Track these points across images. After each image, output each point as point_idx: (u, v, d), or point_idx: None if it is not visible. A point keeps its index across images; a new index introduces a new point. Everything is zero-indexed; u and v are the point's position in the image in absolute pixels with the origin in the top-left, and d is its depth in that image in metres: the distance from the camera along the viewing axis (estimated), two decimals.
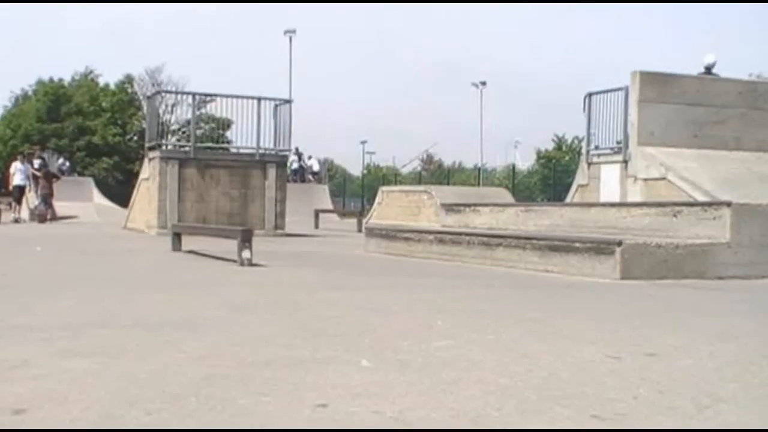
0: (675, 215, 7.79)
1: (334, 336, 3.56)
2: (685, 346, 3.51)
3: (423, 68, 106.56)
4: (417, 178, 46.24)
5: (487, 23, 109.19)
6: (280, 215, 14.99)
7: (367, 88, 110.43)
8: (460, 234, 8.73)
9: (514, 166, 40.40)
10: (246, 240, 7.38)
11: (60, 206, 21.46)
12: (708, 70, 13.95)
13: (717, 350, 3.41)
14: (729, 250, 7.18)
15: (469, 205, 10.96)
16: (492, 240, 8.09)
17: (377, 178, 48.16)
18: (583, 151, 14.22)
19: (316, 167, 32.90)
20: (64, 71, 62.02)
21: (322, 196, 27.71)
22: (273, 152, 15.27)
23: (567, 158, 44.09)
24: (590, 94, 13.39)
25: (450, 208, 11.51)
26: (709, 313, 4.90)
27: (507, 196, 18.20)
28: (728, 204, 7.42)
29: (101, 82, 51.83)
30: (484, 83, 59.43)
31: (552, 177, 33.38)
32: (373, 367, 2.88)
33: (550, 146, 49.71)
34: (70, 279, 6.42)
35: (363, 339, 3.48)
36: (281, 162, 15.42)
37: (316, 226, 19.72)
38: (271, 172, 14.94)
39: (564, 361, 3.07)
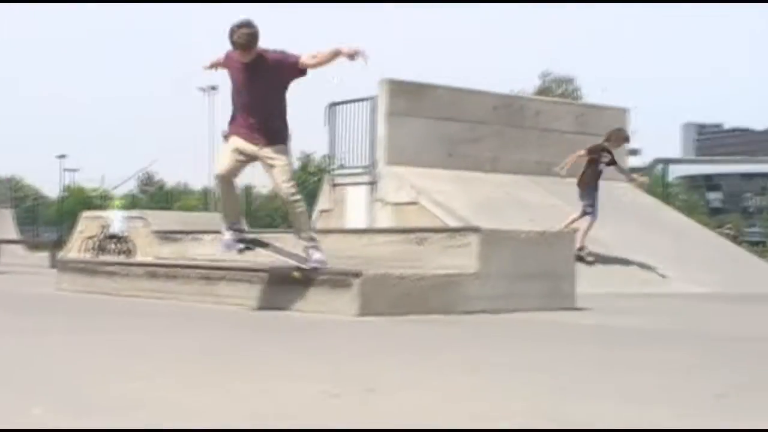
0: (420, 243, 8.43)
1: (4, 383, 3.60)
2: (412, 381, 3.92)
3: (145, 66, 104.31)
4: (133, 202, 45.33)
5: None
6: None
7: (73, 86, 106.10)
8: (175, 266, 8.83)
9: (248, 188, 40.76)
10: None
11: None
12: None
13: (450, 383, 3.86)
14: (477, 281, 7.87)
15: (187, 233, 11.09)
16: (214, 273, 8.28)
17: (82, 202, 46.62)
18: (327, 170, 14.82)
19: None
20: None
21: (2, 223, 26.39)
22: None
23: (316, 180, 45.24)
24: (333, 105, 14.02)
25: (165, 236, 11.57)
26: (446, 350, 5.43)
27: None
28: (476, 230, 8.17)
29: None
30: (214, 88, 59.58)
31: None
32: (48, 414, 2.98)
33: (296, 166, 50.72)
34: None
35: (41, 386, 3.55)
36: None
37: None
38: None
39: (274, 401, 3.35)
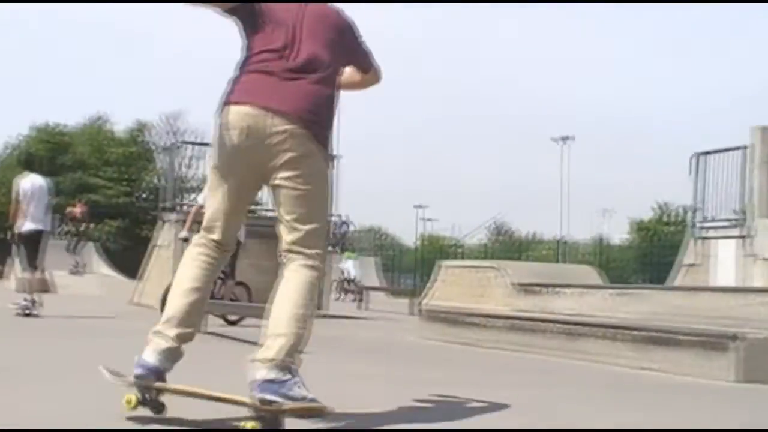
0: None
1: None
2: None
3: (492, 121, 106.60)
4: (484, 252, 46.22)
5: (569, 66, 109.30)
6: (320, 293, 15.18)
7: (426, 143, 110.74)
8: (538, 320, 8.75)
9: (601, 239, 40.23)
10: None
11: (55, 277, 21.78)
12: None
13: None
14: None
15: (548, 286, 10.97)
16: (577, 329, 8.10)
17: (436, 251, 48.27)
18: (691, 223, 14.16)
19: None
20: (70, 116, 63.36)
21: (369, 270, 27.94)
22: None
23: (671, 230, 43.83)
24: (700, 155, 13.40)
25: (525, 288, 11.51)
26: None
27: (594, 276, 18.07)
28: None
29: (116, 129, 52.96)
30: (567, 138, 59.47)
31: (651, 253, 33.04)
32: None
33: (650, 216, 49.38)
34: (56, 366, 6.52)
35: None
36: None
37: (362, 306, 19.81)
38: None
39: None
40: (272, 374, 3.53)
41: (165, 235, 15.48)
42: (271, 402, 3.49)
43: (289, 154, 3.76)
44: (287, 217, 3.84)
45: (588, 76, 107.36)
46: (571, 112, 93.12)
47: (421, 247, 54.14)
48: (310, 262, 3.78)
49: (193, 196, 19.25)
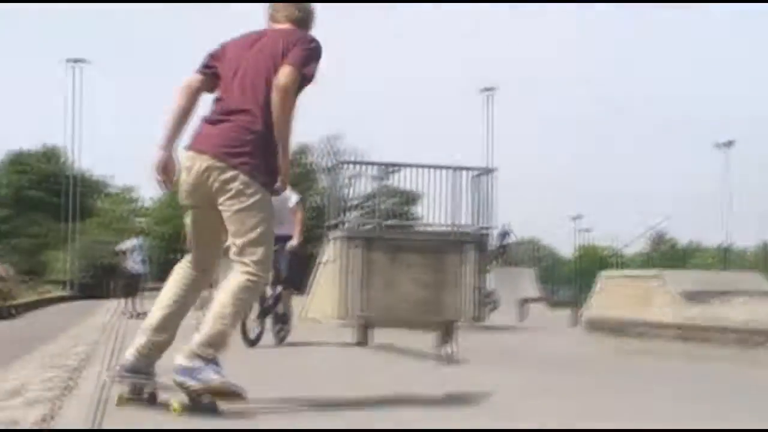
0: None
1: None
2: None
3: (648, 126, 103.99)
4: (645, 261, 45.20)
5: (730, 64, 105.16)
6: (480, 304, 15.27)
7: (577, 152, 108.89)
8: (709, 329, 8.59)
9: (765, 245, 38.69)
10: (448, 333, 7.67)
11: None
12: None
13: None
14: None
15: (716, 294, 10.72)
16: (753, 337, 7.93)
17: (594, 261, 47.47)
18: None
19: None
20: None
21: (526, 282, 27.78)
22: (471, 231, 15.65)
23: None
24: None
25: (692, 297, 11.27)
26: None
27: (763, 283, 17.46)
28: None
29: None
30: (729, 144, 57.26)
31: None
32: None
33: None
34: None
35: None
36: (481, 242, 15.79)
37: (521, 317, 19.75)
38: (470, 254, 15.29)
39: None
40: (187, 362, 4.27)
41: (330, 252, 15.90)
42: (183, 384, 4.25)
43: (216, 185, 4.49)
44: (229, 235, 4.54)
45: (747, 77, 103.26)
46: (734, 115, 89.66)
47: (578, 258, 53.24)
48: (245, 269, 4.45)
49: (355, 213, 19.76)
